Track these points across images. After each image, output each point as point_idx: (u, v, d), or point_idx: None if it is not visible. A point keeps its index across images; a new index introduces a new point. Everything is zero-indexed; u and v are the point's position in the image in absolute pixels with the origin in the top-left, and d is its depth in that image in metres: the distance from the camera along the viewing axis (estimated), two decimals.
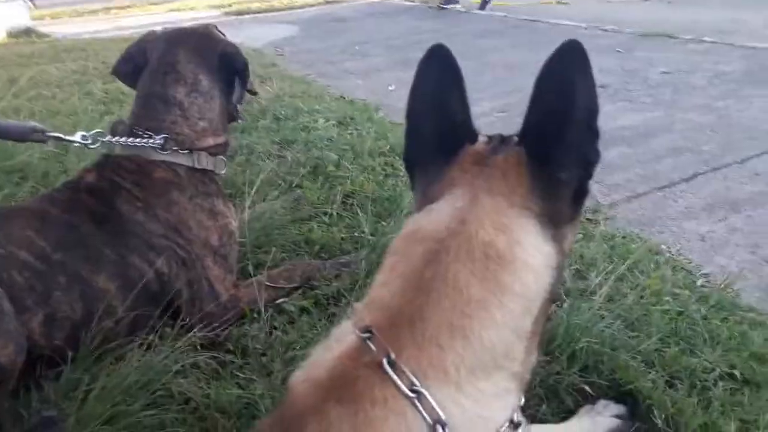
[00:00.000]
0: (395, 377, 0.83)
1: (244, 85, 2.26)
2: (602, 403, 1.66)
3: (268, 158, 3.42)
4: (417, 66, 1.03)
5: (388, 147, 3.53)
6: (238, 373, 1.89)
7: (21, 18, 11.09)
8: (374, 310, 0.93)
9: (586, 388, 1.69)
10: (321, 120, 4.09)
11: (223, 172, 2.29)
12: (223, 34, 2.32)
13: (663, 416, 1.58)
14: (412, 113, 1.07)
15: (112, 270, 1.91)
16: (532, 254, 0.91)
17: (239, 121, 2.41)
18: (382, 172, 3.18)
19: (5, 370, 1.52)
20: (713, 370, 1.74)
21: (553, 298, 0.98)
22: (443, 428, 0.82)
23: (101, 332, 1.85)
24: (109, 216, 1.95)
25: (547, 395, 1.68)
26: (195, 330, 1.99)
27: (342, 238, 2.56)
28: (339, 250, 2.50)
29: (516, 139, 1.03)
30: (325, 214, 2.74)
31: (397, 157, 3.41)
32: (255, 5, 12.25)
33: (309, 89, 5.30)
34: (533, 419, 1.59)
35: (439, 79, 1.02)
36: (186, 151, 2.12)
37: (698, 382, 1.69)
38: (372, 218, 2.67)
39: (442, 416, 0.82)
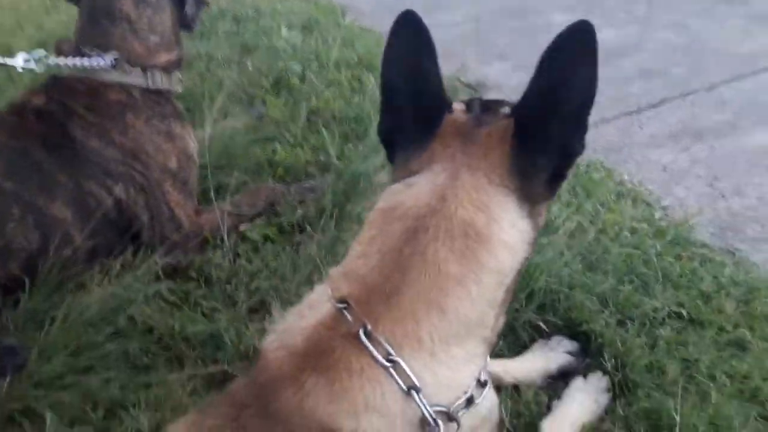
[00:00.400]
0: (371, 348, 0.86)
1: None
2: (556, 339, 1.73)
3: (228, 67, 3.25)
4: (388, 35, 0.98)
5: (355, 58, 3.38)
6: (202, 302, 1.89)
7: None
8: (351, 281, 0.93)
9: (542, 325, 1.75)
10: (284, 26, 3.87)
11: (179, 89, 2.17)
12: None
13: (612, 355, 1.66)
14: (386, 84, 1.02)
15: (68, 198, 1.84)
16: (508, 232, 0.92)
17: (194, 28, 2.25)
18: (349, 87, 3.07)
19: None
20: (663, 308, 1.81)
21: (521, 269, 0.99)
22: (417, 393, 0.86)
23: (60, 261, 1.81)
24: (62, 142, 1.85)
25: (504, 331, 1.73)
26: (156, 258, 1.96)
27: (307, 161, 2.50)
28: (304, 173, 2.46)
29: (498, 108, 1.00)
30: (290, 132, 2.66)
31: (365, 70, 3.29)
32: None
33: None
34: (489, 354, 1.66)
35: (410, 47, 0.98)
36: (138, 70, 2.00)
37: (648, 322, 1.77)
38: (339, 140, 2.61)
39: (416, 382, 0.86)
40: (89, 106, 1.90)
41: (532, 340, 1.75)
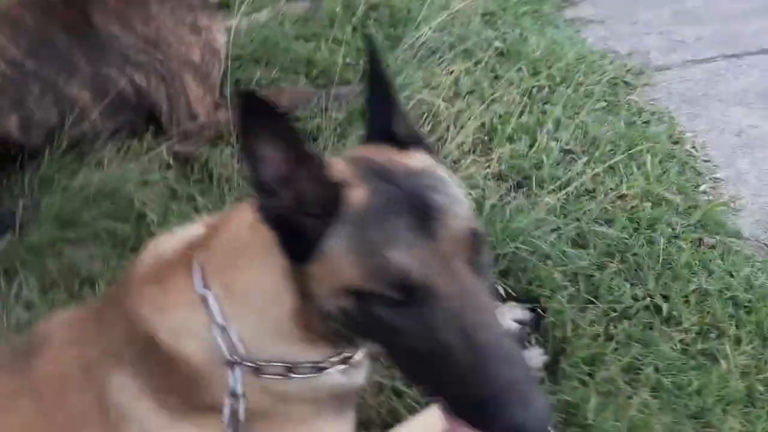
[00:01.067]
0: (196, 276, 0.95)
1: None
2: (510, 304, 1.67)
3: None
4: None
5: None
6: (198, 197, 2.00)
7: None
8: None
9: (500, 289, 1.68)
10: None
11: None
12: None
13: (557, 338, 1.58)
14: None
15: (86, 80, 1.96)
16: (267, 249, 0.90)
17: None
18: None
19: None
20: (642, 299, 1.67)
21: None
22: (222, 330, 0.93)
23: (77, 136, 1.98)
24: (84, 27, 1.94)
25: None
26: (168, 144, 2.07)
27: (346, 64, 2.43)
28: (339, 77, 2.40)
29: None
30: (340, 30, 2.57)
31: None
32: None
33: None
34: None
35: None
36: None
37: (615, 311, 1.64)
38: (387, 43, 2.49)
39: (219, 320, 0.93)
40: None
41: None
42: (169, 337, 0.94)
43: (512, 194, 1.90)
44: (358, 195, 0.83)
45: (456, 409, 0.83)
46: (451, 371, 0.80)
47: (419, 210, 0.83)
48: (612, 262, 1.73)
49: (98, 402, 0.96)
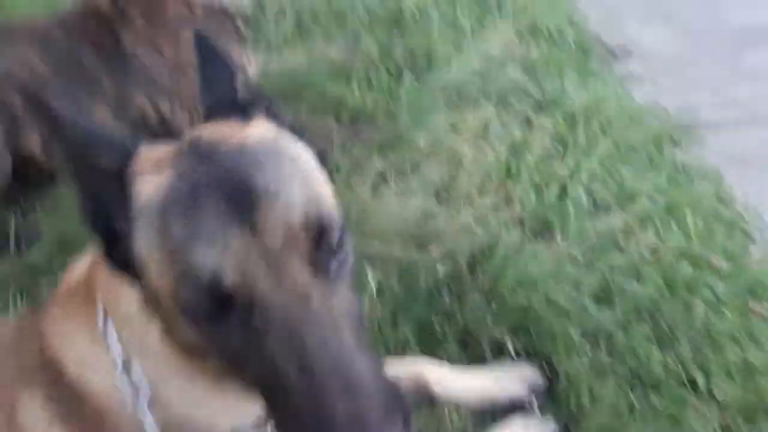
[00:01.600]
0: (100, 306, 0.85)
1: None
2: (518, 365, 1.49)
3: None
4: None
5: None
6: None
7: None
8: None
9: (509, 346, 1.51)
10: None
11: (248, 12, 2.16)
12: None
13: (573, 407, 1.39)
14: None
15: (111, 101, 1.96)
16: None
17: None
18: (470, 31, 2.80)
19: None
20: (675, 371, 1.46)
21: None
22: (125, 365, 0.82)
23: None
24: (113, 49, 1.95)
25: (463, 338, 1.53)
26: None
27: (379, 107, 2.36)
28: (367, 118, 2.34)
29: None
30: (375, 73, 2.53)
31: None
32: None
33: None
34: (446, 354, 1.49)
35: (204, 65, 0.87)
36: None
37: (641, 381, 1.44)
38: (417, 85, 2.43)
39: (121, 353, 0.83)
40: (147, 16, 1.97)
41: (493, 353, 1.53)
42: (74, 368, 0.85)
43: (530, 241, 1.74)
44: (154, 183, 0.69)
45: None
46: (287, 402, 0.64)
47: (235, 196, 0.65)
48: (639, 324, 1.53)
49: (8, 421, 0.87)
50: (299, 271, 0.65)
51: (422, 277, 1.58)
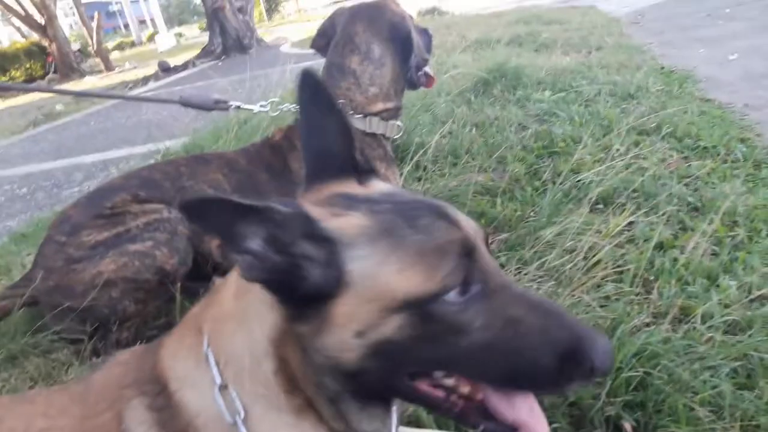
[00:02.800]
0: (205, 335, 0.97)
1: (409, 51, 2.35)
2: None
3: (507, 129, 3.37)
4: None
5: (661, 126, 3.08)
6: None
7: None
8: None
9: (626, 426, 1.36)
10: (601, 91, 3.78)
11: (396, 136, 2.45)
12: (396, 5, 2.43)
13: None
14: (302, 137, 1.05)
15: None
16: (260, 308, 0.90)
17: (423, 85, 2.52)
18: (617, 152, 2.82)
19: (168, 274, 2.03)
20: None
21: (319, 386, 0.89)
22: (219, 390, 0.92)
23: None
24: (282, 170, 2.33)
25: (576, 418, 1.41)
26: None
27: (518, 217, 2.43)
28: (506, 227, 2.40)
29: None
30: (520, 190, 2.64)
31: (653, 137, 2.99)
32: None
33: (629, 60, 4.87)
34: None
35: (310, 105, 0.99)
36: (360, 116, 2.36)
37: None
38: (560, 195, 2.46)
39: (219, 379, 0.92)
40: None
41: None
42: (175, 384, 0.97)
43: (660, 324, 1.59)
44: (356, 219, 0.83)
45: (536, 381, 0.82)
46: (529, 340, 0.79)
47: (432, 209, 0.84)
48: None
49: (115, 421, 0.99)
50: (488, 253, 0.86)
51: None
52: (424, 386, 0.87)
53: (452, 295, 0.78)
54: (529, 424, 0.86)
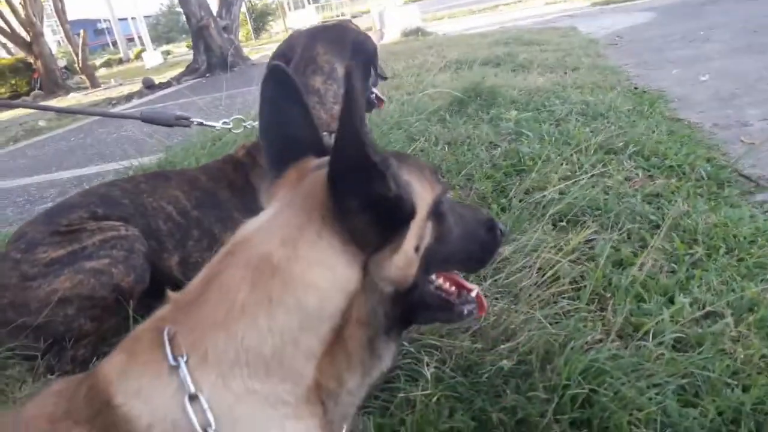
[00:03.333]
0: (167, 344, 0.91)
1: (374, 69, 2.37)
2: None
3: (480, 147, 3.39)
4: (261, 85, 1.08)
5: (629, 144, 3.11)
6: None
7: (414, 19, 12.87)
8: (182, 292, 1.02)
9: None
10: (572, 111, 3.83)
11: None
12: (357, 27, 2.46)
13: None
14: (261, 130, 1.13)
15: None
16: (317, 273, 0.89)
17: (376, 107, 2.53)
18: (582, 170, 2.84)
19: (124, 292, 1.99)
20: None
21: (370, 326, 0.92)
22: (190, 400, 0.87)
23: None
24: (245, 187, 2.32)
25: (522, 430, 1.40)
26: None
27: None
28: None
29: None
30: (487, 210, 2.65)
31: (613, 155, 3.02)
32: None
33: (604, 80, 4.93)
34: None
35: (276, 98, 1.07)
36: (326, 133, 2.36)
37: None
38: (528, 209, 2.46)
39: (192, 389, 0.87)
40: None
41: None
42: (122, 398, 0.90)
43: (613, 341, 1.59)
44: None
45: (485, 251, 1.14)
46: (472, 227, 1.09)
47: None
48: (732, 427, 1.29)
49: None
50: None
51: (485, 368, 1.51)
52: (435, 291, 1.05)
53: (443, 199, 1.01)
54: (477, 289, 1.15)
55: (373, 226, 0.90)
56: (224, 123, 2.42)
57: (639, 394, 1.35)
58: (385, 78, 2.57)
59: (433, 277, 1.05)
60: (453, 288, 1.10)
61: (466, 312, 1.12)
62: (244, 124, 2.43)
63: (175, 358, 0.89)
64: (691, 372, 1.43)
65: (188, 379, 0.87)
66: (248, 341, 0.87)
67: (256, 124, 2.38)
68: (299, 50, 2.43)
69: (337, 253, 0.89)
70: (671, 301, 1.80)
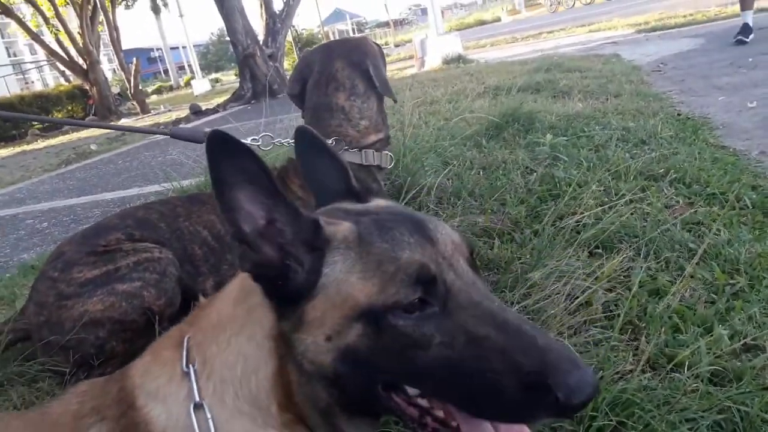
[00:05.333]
0: (184, 350, 0.98)
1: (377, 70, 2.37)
2: None
3: (515, 172, 3.35)
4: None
5: (669, 171, 3.03)
6: None
7: (455, 47, 12.94)
8: (203, 301, 1.13)
9: None
10: (613, 137, 3.75)
11: (389, 166, 2.45)
12: (377, 44, 2.47)
13: None
14: (306, 181, 1.17)
15: None
16: (261, 313, 0.92)
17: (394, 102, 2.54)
18: (620, 195, 2.76)
19: (155, 315, 2.01)
20: None
21: (314, 399, 0.91)
22: (196, 409, 0.92)
23: None
24: None
25: None
26: None
27: (513, 255, 2.38)
28: (501, 266, 2.35)
29: None
30: (518, 233, 2.59)
31: (654, 182, 2.94)
32: (675, 20, 11.40)
33: (646, 106, 4.82)
34: None
35: (307, 157, 1.12)
36: (355, 150, 2.37)
37: None
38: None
39: (197, 396, 0.93)
40: (302, 185, 2.36)
41: None
42: (144, 399, 0.96)
43: (645, 372, 1.52)
44: (344, 227, 0.89)
45: (498, 407, 0.78)
46: (491, 362, 0.76)
47: (412, 223, 0.89)
48: None
49: None
50: (466, 268, 0.87)
51: None
52: (399, 401, 0.86)
53: (403, 311, 0.80)
54: None
55: (271, 289, 0.89)
56: (253, 140, 2.45)
57: (671, 428, 1.28)
58: (394, 100, 2.58)
59: (412, 391, 0.86)
60: (415, 412, 0.87)
61: None
62: (273, 141, 2.45)
63: (188, 365, 0.95)
64: (728, 407, 1.35)
65: (195, 387, 0.93)
66: (226, 357, 0.94)
67: (285, 141, 2.40)
68: (317, 68, 2.45)
69: (264, 305, 0.91)
70: (709, 332, 1.72)
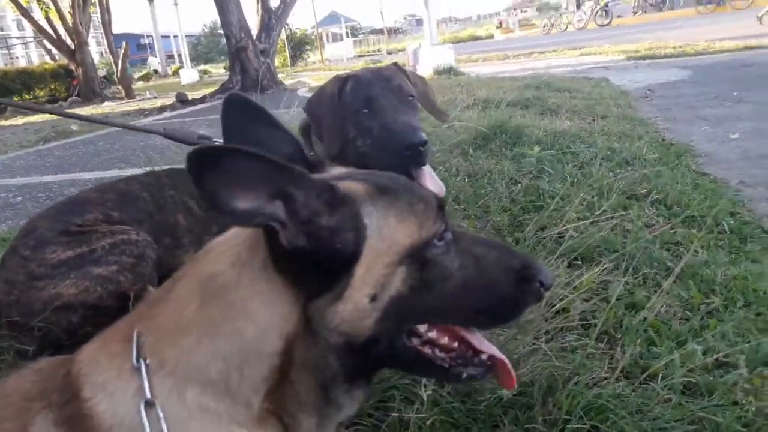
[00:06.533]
0: (134, 344, 0.91)
1: None
2: None
3: (500, 181, 3.37)
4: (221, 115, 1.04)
5: (651, 192, 3.06)
6: None
7: (447, 59, 13.02)
8: (159, 288, 1.05)
9: None
10: (597, 155, 3.79)
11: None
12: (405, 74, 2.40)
13: None
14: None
15: None
16: (256, 305, 0.87)
17: None
18: (601, 211, 2.79)
19: (130, 299, 1.90)
20: None
21: (319, 373, 0.89)
22: (147, 407, 0.86)
23: None
24: None
25: None
26: None
27: None
28: None
29: None
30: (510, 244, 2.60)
31: (636, 201, 2.97)
32: (665, 50, 11.61)
33: (632, 130, 4.89)
34: None
35: (240, 125, 1.04)
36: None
37: None
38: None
39: (148, 393, 0.87)
40: None
41: None
42: (90, 391, 0.90)
43: (618, 380, 1.52)
44: (353, 184, 0.90)
45: (505, 307, 0.95)
46: (494, 271, 0.93)
47: (403, 177, 0.98)
48: None
49: None
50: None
51: (485, 396, 1.46)
52: (417, 346, 0.93)
53: (437, 242, 0.89)
54: (499, 355, 0.99)
55: (308, 268, 0.84)
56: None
57: None
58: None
59: (423, 328, 0.94)
60: (455, 344, 0.97)
61: (465, 375, 0.96)
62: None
63: (138, 359, 0.89)
64: (699, 418, 1.36)
65: (146, 384, 0.87)
66: (195, 360, 0.87)
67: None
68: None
69: (277, 289, 0.86)
70: (682, 347, 1.73)
